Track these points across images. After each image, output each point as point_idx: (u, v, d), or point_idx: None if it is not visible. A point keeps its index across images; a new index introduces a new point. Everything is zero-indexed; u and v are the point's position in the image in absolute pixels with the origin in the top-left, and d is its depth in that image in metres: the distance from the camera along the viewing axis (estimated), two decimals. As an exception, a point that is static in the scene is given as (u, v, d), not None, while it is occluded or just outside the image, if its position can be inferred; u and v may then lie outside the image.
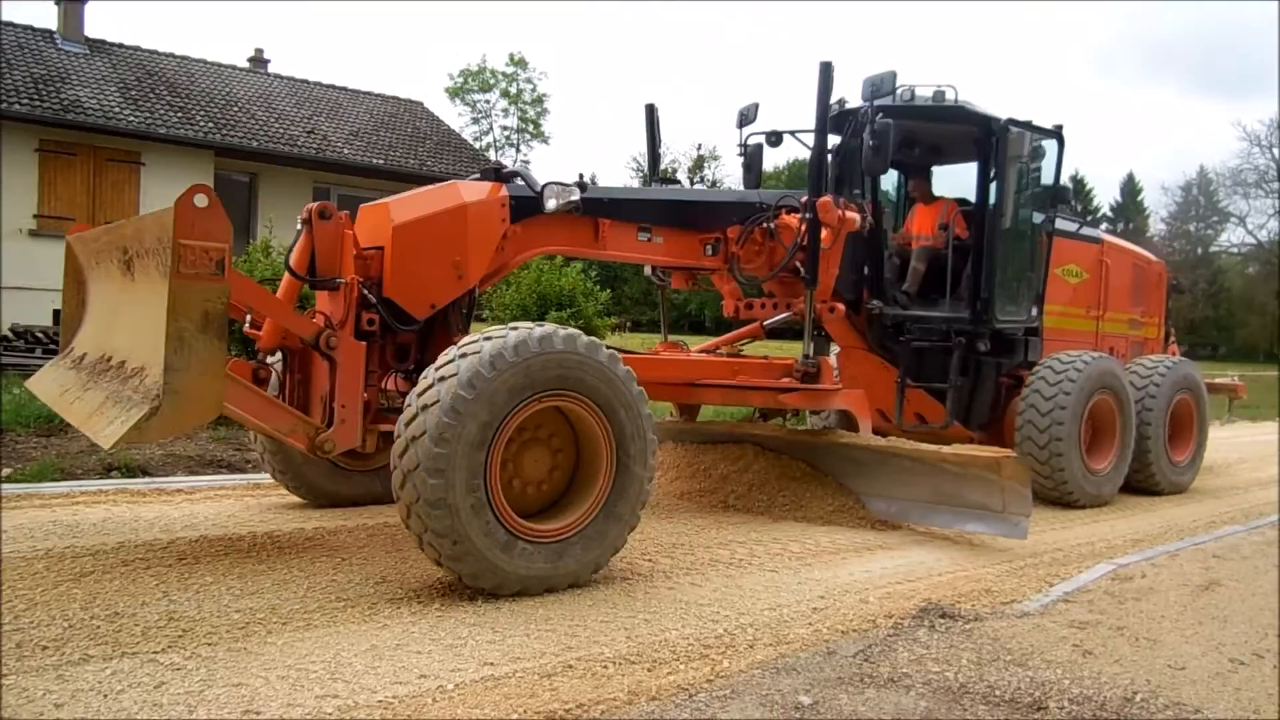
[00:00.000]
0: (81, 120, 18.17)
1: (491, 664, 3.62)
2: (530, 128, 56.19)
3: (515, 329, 4.53)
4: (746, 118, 7.91)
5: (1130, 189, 66.40)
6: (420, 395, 4.34)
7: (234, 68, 24.72)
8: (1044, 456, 7.70)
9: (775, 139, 7.97)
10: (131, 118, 19.03)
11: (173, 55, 23.05)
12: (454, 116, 55.00)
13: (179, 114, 20.12)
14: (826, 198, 6.63)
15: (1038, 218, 8.41)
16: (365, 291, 5.03)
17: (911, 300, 8.11)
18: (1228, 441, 14.35)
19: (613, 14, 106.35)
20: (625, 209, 6.26)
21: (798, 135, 7.88)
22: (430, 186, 5.60)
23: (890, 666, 3.68)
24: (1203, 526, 7.34)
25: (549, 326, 4.61)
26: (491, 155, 48.72)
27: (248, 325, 5.27)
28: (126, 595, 4.19)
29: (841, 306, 7.24)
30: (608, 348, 4.81)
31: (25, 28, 20.83)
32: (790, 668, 3.65)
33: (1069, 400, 7.69)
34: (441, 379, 4.33)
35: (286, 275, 5.18)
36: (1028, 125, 7.95)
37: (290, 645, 3.69)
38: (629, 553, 5.42)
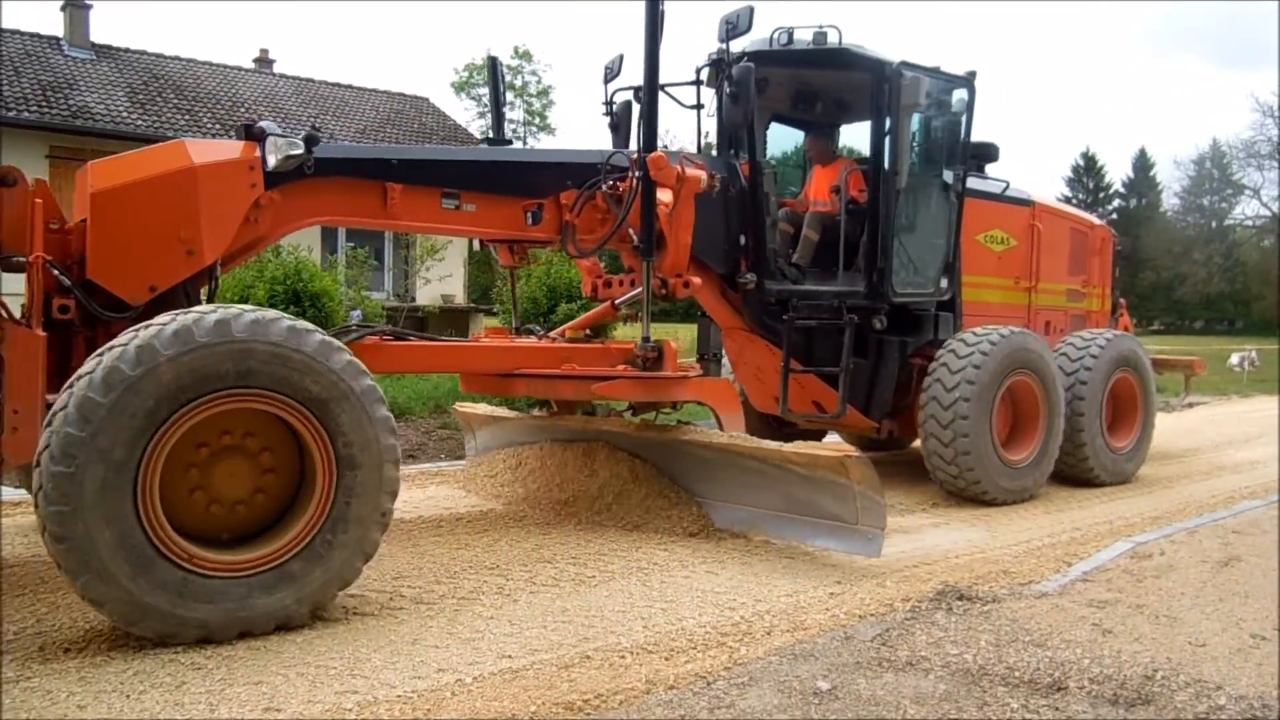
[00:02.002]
0: (90, 126, 18.30)
1: (509, 656, 3.63)
2: (537, 120, 56.07)
3: (149, 325, 3.66)
4: (611, 72, 6.86)
5: (1143, 164, 65.78)
6: (43, 438, 3.56)
7: (240, 69, 24.84)
8: (949, 451, 6.76)
9: None
10: (139, 121, 19.13)
11: (178, 58, 23.18)
12: (460, 111, 54.89)
13: (186, 116, 20.22)
14: (659, 153, 5.69)
15: (948, 177, 7.44)
16: (57, 272, 4.22)
17: (801, 273, 7.06)
18: (1244, 416, 14.25)
19: (618, 4, 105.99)
20: (422, 171, 5.39)
21: (668, 90, 6.74)
22: (152, 146, 4.79)
23: (908, 650, 3.67)
24: (1221, 502, 7.28)
25: (194, 312, 3.74)
26: (499, 149, 48.55)
27: None
28: (147, 596, 4.22)
29: (698, 280, 6.15)
30: (305, 327, 3.92)
31: (32, 35, 20.97)
32: (808, 653, 3.65)
33: (976, 381, 6.74)
34: (57, 414, 3.52)
35: None
36: (929, 70, 7.03)
37: (309, 642, 3.72)
38: (644, 541, 5.43)
